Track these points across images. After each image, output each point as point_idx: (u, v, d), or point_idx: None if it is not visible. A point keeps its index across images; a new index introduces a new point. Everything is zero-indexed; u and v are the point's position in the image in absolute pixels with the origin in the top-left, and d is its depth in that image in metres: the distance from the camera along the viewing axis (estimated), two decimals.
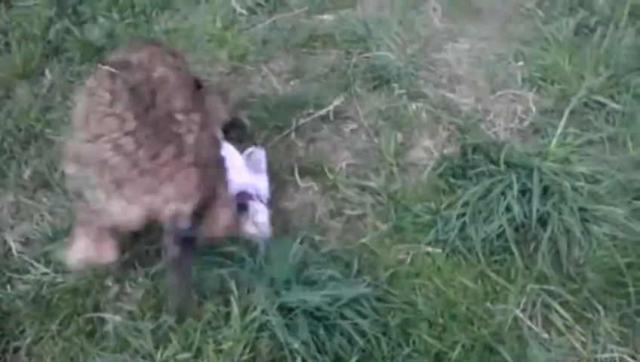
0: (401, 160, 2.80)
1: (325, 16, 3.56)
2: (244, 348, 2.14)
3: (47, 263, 2.50)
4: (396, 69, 3.13)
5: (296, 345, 2.10)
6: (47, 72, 3.33)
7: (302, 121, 2.97)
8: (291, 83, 3.22)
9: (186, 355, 2.17)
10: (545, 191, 2.43)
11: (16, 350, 2.32)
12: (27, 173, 2.80)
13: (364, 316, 2.20)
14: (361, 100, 3.07)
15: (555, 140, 2.64)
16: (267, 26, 3.51)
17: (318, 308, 2.17)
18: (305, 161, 2.80)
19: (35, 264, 2.51)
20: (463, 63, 3.22)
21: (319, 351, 2.12)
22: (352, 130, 2.96)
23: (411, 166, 2.78)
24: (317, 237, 2.49)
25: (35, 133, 2.98)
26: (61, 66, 3.36)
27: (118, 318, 2.32)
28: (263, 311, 2.18)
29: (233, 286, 2.24)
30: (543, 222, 2.39)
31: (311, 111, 3.01)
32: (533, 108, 2.93)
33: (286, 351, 2.12)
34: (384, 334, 2.19)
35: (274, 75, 3.26)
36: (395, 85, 3.08)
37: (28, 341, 2.32)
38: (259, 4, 3.62)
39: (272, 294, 2.21)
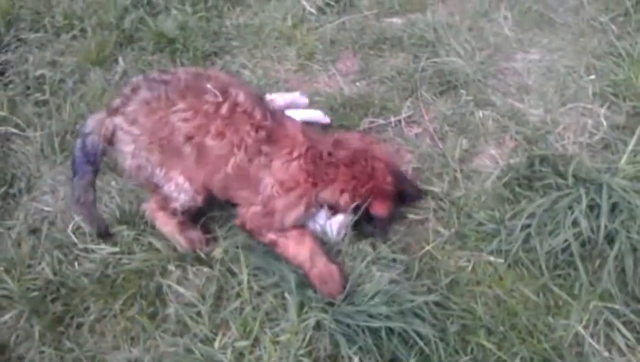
0: (465, 166, 2.78)
1: (394, 20, 3.57)
2: (302, 341, 2.17)
3: (114, 243, 2.58)
4: (464, 76, 3.11)
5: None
6: (120, 59, 3.44)
7: (370, 126, 2.99)
8: (357, 84, 3.24)
9: (244, 343, 2.21)
10: (614, 207, 2.38)
11: (79, 326, 2.41)
12: None
13: (422, 319, 2.20)
14: (426, 105, 3.06)
15: (625, 157, 2.58)
16: (336, 27, 3.54)
17: (376, 310, 2.17)
18: None
19: (102, 244, 2.59)
20: (532, 73, 3.18)
21: (376, 352, 2.13)
22: (416, 133, 2.96)
23: (475, 173, 2.75)
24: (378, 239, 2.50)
25: None
26: (134, 55, 3.46)
27: (179, 302, 2.37)
28: (322, 309, 2.21)
29: (292, 280, 2.28)
30: (610, 239, 2.34)
31: (378, 116, 3.03)
32: (604, 123, 2.87)
33: (343, 349, 2.13)
34: (442, 340, 2.18)
35: (341, 74, 3.28)
36: (463, 91, 3.07)
37: (91, 318, 2.40)
38: (328, 4, 3.64)
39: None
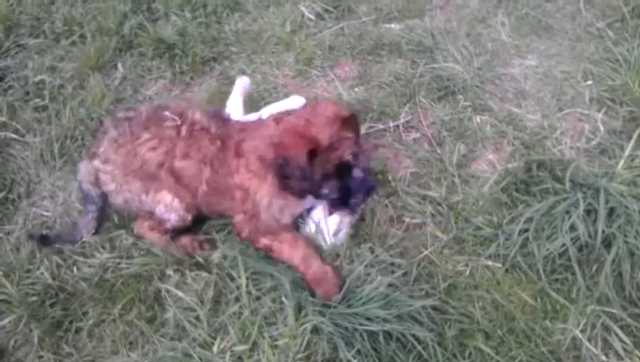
0: (463, 171, 2.79)
1: (392, 25, 3.58)
2: (300, 345, 2.17)
3: (113, 248, 2.59)
4: (462, 81, 3.12)
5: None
6: (119, 65, 3.45)
7: (368, 131, 2.99)
8: (356, 89, 3.25)
9: (243, 347, 2.21)
10: (611, 212, 2.39)
11: (78, 330, 2.42)
12: None
13: (420, 323, 2.20)
14: (425, 110, 3.07)
15: (622, 162, 2.59)
16: (334, 32, 3.55)
17: (375, 314, 2.18)
18: None
19: (101, 249, 2.59)
20: (529, 79, 3.19)
21: (374, 356, 2.13)
22: (414, 138, 2.96)
23: (473, 178, 2.76)
24: (376, 243, 2.50)
25: None
26: (133, 60, 3.48)
27: (178, 307, 2.38)
28: (320, 313, 2.21)
29: (287, 284, 2.28)
30: (607, 243, 2.36)
31: (377, 121, 3.05)
32: (601, 129, 2.88)
33: (341, 353, 2.13)
34: (440, 344, 2.19)
35: (339, 80, 3.30)
36: (461, 97, 3.08)
37: (90, 322, 2.41)
38: (327, 11, 3.66)
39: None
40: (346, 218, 2.51)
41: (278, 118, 2.44)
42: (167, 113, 2.46)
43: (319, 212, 2.52)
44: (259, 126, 2.48)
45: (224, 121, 2.55)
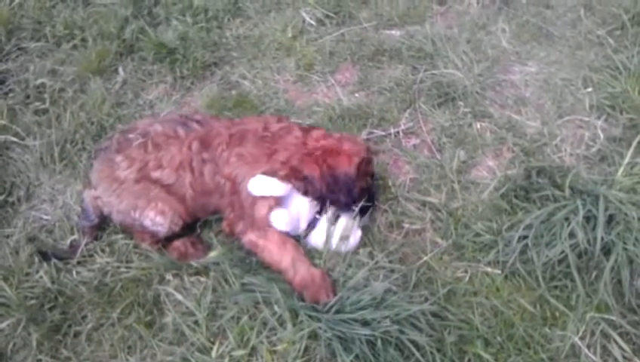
0: (462, 177, 2.79)
1: (393, 32, 3.59)
2: (298, 350, 2.17)
3: (112, 253, 2.59)
4: (462, 87, 3.13)
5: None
6: (120, 69, 3.46)
7: (368, 137, 3.00)
8: (356, 95, 3.25)
9: (242, 352, 2.21)
10: (610, 219, 2.39)
11: (76, 334, 2.41)
12: None
13: (419, 330, 2.20)
14: (425, 116, 3.08)
15: (621, 169, 2.59)
16: (335, 38, 3.56)
17: (373, 319, 2.17)
18: None
19: (100, 252, 2.60)
20: (530, 86, 3.19)
21: (373, 360, 2.13)
22: (414, 145, 2.97)
23: (473, 184, 2.76)
24: (376, 248, 2.50)
25: (107, 127, 3.08)
26: (134, 65, 3.48)
27: (177, 311, 2.38)
28: (317, 319, 2.21)
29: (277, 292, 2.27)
30: (606, 250, 2.35)
31: (377, 127, 3.05)
32: (601, 136, 2.89)
33: (339, 359, 2.13)
34: (439, 350, 2.19)
35: (339, 85, 3.30)
36: (461, 103, 3.08)
37: (89, 326, 2.41)
38: (328, 16, 3.66)
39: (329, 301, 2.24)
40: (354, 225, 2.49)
41: (305, 129, 2.53)
42: (131, 135, 2.54)
43: (324, 224, 2.48)
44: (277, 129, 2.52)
45: (201, 122, 2.57)
